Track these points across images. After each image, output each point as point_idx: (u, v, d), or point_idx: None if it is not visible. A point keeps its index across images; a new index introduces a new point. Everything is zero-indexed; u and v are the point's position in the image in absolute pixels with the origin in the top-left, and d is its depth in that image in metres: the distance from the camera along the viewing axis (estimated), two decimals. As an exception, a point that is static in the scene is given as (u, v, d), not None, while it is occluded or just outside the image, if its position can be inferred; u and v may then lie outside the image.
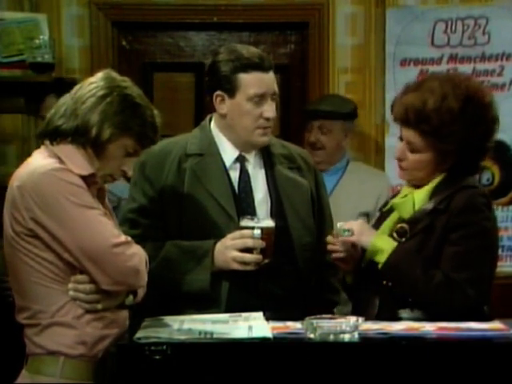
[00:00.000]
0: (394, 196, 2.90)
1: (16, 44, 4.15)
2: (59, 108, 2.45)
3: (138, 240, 2.57)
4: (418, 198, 2.65)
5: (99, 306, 2.39)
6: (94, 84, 2.43)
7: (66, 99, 2.45)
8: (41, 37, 4.14)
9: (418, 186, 2.69)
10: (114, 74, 2.49)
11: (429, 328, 2.36)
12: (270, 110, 2.80)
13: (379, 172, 4.28)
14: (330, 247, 2.74)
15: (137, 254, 2.39)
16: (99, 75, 2.47)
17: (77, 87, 2.47)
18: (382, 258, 2.59)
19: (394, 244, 2.60)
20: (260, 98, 2.79)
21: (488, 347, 2.27)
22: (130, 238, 2.41)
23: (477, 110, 2.58)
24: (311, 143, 4.03)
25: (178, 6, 4.54)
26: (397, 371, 2.20)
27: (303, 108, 4.29)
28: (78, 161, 2.39)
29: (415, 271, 2.53)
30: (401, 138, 2.68)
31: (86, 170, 2.40)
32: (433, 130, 2.57)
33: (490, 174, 4.46)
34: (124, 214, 2.86)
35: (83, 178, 2.38)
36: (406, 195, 2.72)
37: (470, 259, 2.52)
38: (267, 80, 2.81)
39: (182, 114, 4.65)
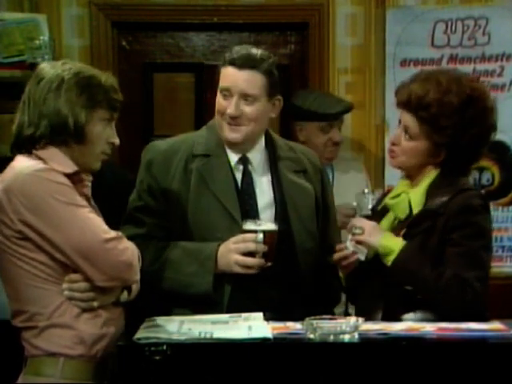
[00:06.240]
0: (386, 194, 2.92)
1: (16, 44, 4.14)
2: (21, 120, 2.44)
3: (143, 239, 2.56)
4: (414, 198, 2.69)
5: (95, 304, 2.40)
6: (42, 82, 2.43)
7: (22, 111, 2.44)
8: (41, 37, 4.13)
9: (410, 177, 2.73)
10: (50, 64, 2.50)
11: (429, 328, 2.36)
12: (231, 106, 2.77)
13: None
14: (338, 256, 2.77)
15: (129, 249, 2.39)
16: (37, 74, 2.46)
17: (24, 97, 2.46)
18: (390, 258, 2.61)
19: (402, 243, 2.62)
20: (227, 93, 2.77)
21: (488, 348, 2.27)
22: (120, 233, 2.40)
23: (477, 111, 2.65)
24: (337, 142, 3.98)
25: (178, 7, 4.53)
26: (397, 371, 2.20)
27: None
28: (61, 160, 2.40)
29: (424, 269, 2.56)
30: (400, 123, 2.73)
31: (71, 167, 2.40)
32: (430, 118, 2.64)
33: (490, 174, 4.46)
34: (129, 213, 2.84)
35: (68, 176, 2.39)
36: (399, 194, 2.75)
37: (475, 259, 2.56)
38: (237, 76, 2.76)
39: (181, 114, 4.65)
